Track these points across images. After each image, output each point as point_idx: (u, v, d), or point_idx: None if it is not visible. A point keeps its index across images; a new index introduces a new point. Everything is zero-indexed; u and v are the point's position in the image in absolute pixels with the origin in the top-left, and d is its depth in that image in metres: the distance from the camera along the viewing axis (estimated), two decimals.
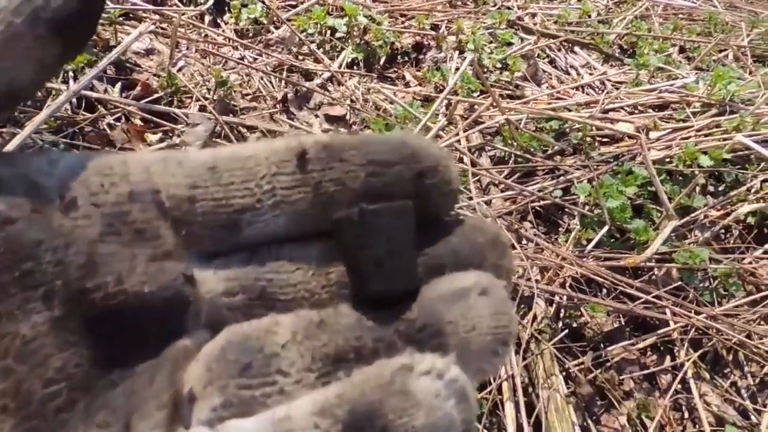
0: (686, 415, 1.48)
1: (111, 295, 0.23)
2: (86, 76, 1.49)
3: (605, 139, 2.01)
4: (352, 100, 1.96)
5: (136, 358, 0.23)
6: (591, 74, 2.44)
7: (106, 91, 1.62)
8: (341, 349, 0.24)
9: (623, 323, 1.58)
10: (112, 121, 1.56)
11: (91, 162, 0.25)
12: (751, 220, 1.81)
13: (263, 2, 2.19)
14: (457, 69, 2.14)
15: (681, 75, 2.42)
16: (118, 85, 1.66)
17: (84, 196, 0.24)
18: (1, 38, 0.24)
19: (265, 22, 2.15)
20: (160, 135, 1.59)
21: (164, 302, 0.24)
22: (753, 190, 1.87)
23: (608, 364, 1.49)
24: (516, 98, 2.16)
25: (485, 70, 2.23)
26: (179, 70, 1.79)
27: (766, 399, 1.50)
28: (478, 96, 2.07)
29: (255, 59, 2.02)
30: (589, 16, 2.87)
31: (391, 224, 0.25)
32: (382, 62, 2.20)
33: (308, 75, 2.04)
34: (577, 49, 2.60)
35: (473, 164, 1.77)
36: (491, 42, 2.40)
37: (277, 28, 2.18)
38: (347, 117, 1.92)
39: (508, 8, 2.73)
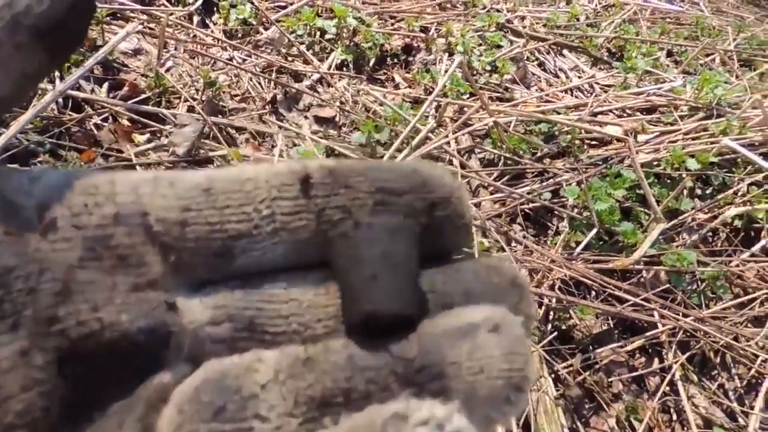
0: (674, 417, 1.48)
1: (84, 325, 0.21)
2: (73, 76, 1.48)
3: (594, 142, 2.02)
4: (341, 102, 1.95)
5: (109, 396, 0.21)
6: (580, 77, 2.45)
7: (93, 91, 1.61)
8: (329, 391, 0.21)
9: (612, 325, 1.58)
10: (99, 122, 1.54)
11: (75, 180, 0.23)
12: (738, 223, 1.82)
13: (252, 3, 2.18)
14: (447, 71, 2.14)
15: (668, 79, 2.44)
16: (106, 85, 1.64)
17: (65, 217, 0.22)
18: None
19: (254, 22, 2.14)
20: (147, 136, 1.58)
21: (143, 334, 0.22)
22: (740, 194, 1.89)
23: (597, 366, 1.49)
24: (505, 101, 2.16)
25: (474, 72, 2.23)
26: (167, 70, 1.78)
27: (754, 401, 1.51)
28: (468, 98, 2.07)
29: (244, 60, 2.01)
30: (578, 20, 2.88)
31: (388, 240, 0.23)
32: (371, 64, 2.20)
33: (297, 76, 2.03)
34: (565, 52, 2.61)
35: (462, 166, 1.77)
36: (480, 45, 2.41)
37: (266, 29, 2.17)
38: (337, 119, 1.92)
39: (498, 11, 2.74)
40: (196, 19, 2.11)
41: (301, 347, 0.23)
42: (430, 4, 2.70)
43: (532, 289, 1.48)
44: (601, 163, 1.88)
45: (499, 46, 2.43)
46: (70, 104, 1.54)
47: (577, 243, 1.65)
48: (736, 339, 1.56)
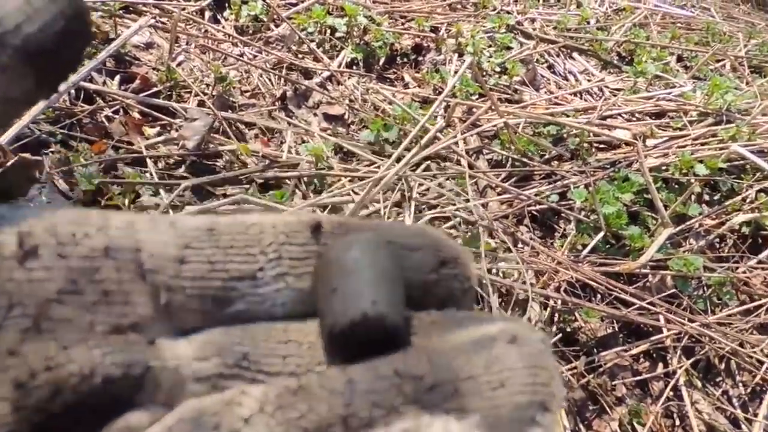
0: (677, 422, 1.48)
1: (49, 367, 0.19)
2: (85, 68, 1.48)
3: (602, 146, 2.02)
4: (350, 100, 1.96)
5: None
6: (589, 80, 2.45)
7: (104, 83, 1.61)
8: (325, 420, 0.19)
9: (617, 329, 1.58)
10: (110, 114, 1.55)
11: (65, 211, 0.21)
12: (745, 229, 1.82)
13: (264, 0, 2.19)
14: (456, 72, 2.14)
15: (678, 84, 2.43)
16: (117, 78, 1.65)
17: (49, 245, 0.20)
18: None
19: (265, 19, 2.15)
20: (158, 129, 1.59)
21: (118, 369, 0.19)
22: (748, 200, 1.88)
23: (601, 369, 1.49)
24: (514, 102, 2.16)
25: (484, 73, 2.23)
26: (178, 64, 1.78)
27: (758, 408, 1.51)
28: (477, 99, 2.07)
29: (254, 56, 2.02)
30: (588, 23, 2.88)
31: (355, 253, 0.21)
32: (381, 63, 2.20)
33: (307, 73, 2.04)
34: (575, 55, 2.61)
35: (471, 167, 1.77)
36: (490, 46, 2.41)
37: (277, 25, 2.18)
38: (346, 116, 1.92)
39: (508, 13, 2.74)
40: (207, 14, 2.11)
41: (293, 378, 0.20)
42: (440, 5, 2.70)
43: (537, 290, 1.49)
44: (609, 166, 1.88)
45: (509, 48, 2.43)
46: (82, 96, 1.55)
47: (584, 246, 1.65)
48: (741, 345, 1.56)
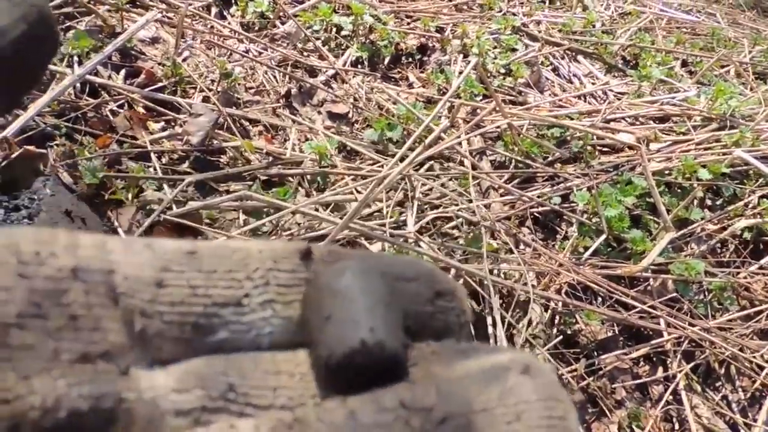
0: (677, 426, 1.48)
1: (6, 399, 0.17)
2: (91, 61, 1.49)
3: (606, 149, 2.02)
4: (355, 99, 1.96)
5: None
6: (593, 84, 2.45)
7: (110, 77, 1.62)
8: None
9: (617, 332, 1.58)
10: (115, 108, 1.55)
11: (26, 228, 0.19)
12: (747, 235, 1.82)
13: None
14: (461, 72, 2.14)
15: (683, 88, 2.43)
16: (123, 72, 1.65)
17: (9, 263, 0.18)
18: None
19: (272, 16, 2.15)
20: (162, 124, 1.59)
21: (85, 402, 0.17)
22: (750, 206, 1.89)
23: (601, 372, 1.50)
24: (518, 104, 2.16)
25: (488, 74, 2.23)
26: (184, 60, 1.79)
27: (757, 414, 1.51)
28: (481, 100, 2.07)
29: (260, 53, 2.02)
30: (594, 26, 2.88)
31: (348, 279, 0.20)
32: (386, 62, 2.20)
33: (312, 71, 2.04)
34: (580, 58, 2.61)
35: (474, 167, 1.77)
36: (495, 47, 2.41)
37: (283, 23, 2.18)
38: (350, 115, 1.92)
39: (514, 14, 2.74)
40: (214, 10, 2.12)
41: (288, 411, 0.19)
42: (446, 5, 2.70)
43: (539, 292, 1.49)
44: (612, 169, 1.88)
45: (514, 50, 2.43)
46: (87, 89, 1.55)
47: (586, 248, 1.65)
48: (741, 350, 1.56)
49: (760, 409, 1.51)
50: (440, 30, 2.48)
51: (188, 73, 1.71)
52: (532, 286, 1.48)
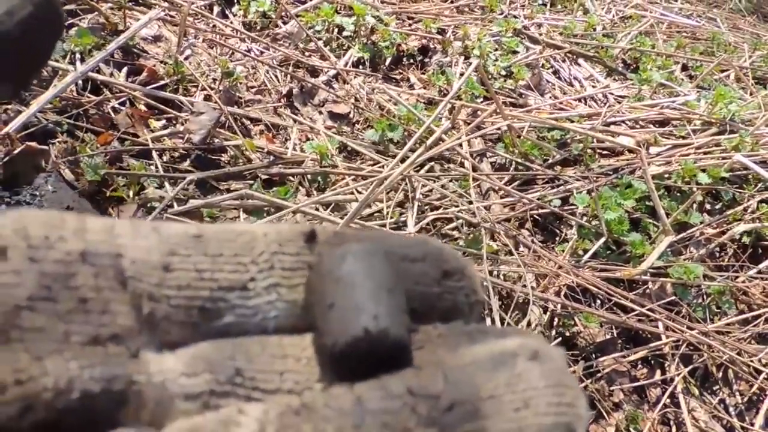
0: (674, 429, 1.49)
1: (19, 380, 0.17)
2: (93, 59, 1.49)
3: (606, 152, 2.03)
4: (356, 99, 1.96)
5: None
6: (594, 87, 2.45)
7: (112, 74, 1.62)
8: None
9: (615, 335, 1.58)
10: (116, 105, 1.55)
11: (38, 213, 0.19)
12: (746, 239, 1.83)
13: None
14: (462, 74, 2.14)
15: (683, 92, 2.44)
16: (125, 70, 1.66)
17: (19, 248, 0.18)
18: None
19: (274, 16, 2.15)
20: (164, 122, 1.59)
21: (97, 384, 0.18)
22: (749, 210, 1.89)
23: (599, 374, 1.50)
24: (519, 106, 2.17)
25: (489, 76, 2.24)
26: (186, 58, 1.79)
27: (754, 418, 1.52)
28: (482, 102, 2.08)
29: (262, 52, 2.02)
30: (594, 30, 2.89)
31: (364, 268, 0.20)
32: (387, 63, 2.21)
33: (314, 71, 2.04)
34: (581, 61, 2.61)
35: (474, 169, 1.77)
36: (496, 49, 2.41)
37: (285, 22, 2.18)
38: (351, 115, 1.92)
39: (515, 17, 2.74)
40: (216, 9, 2.12)
41: (295, 396, 0.19)
42: (448, 7, 2.71)
43: (538, 294, 1.49)
44: (612, 172, 1.89)
45: (515, 52, 2.44)
46: (89, 86, 1.55)
47: (585, 251, 1.66)
48: (739, 354, 1.56)
49: (758, 413, 1.52)
50: (442, 32, 2.48)
51: (190, 72, 1.72)
52: (532, 287, 1.48)
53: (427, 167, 1.75)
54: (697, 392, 1.54)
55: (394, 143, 1.81)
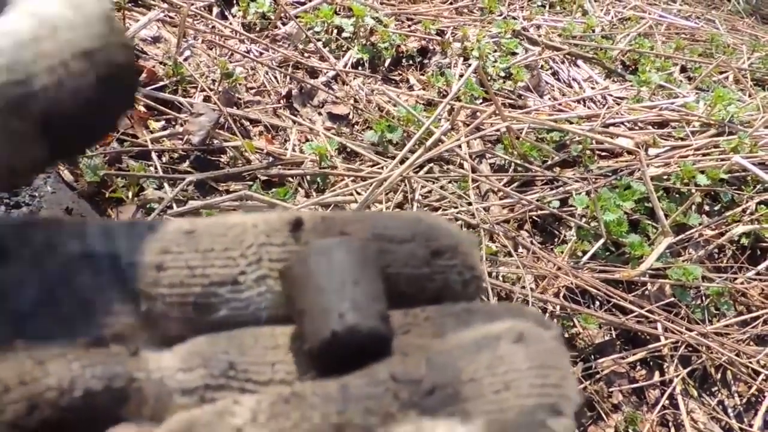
0: (673, 430, 1.49)
1: (23, 381, 0.17)
2: None
3: (604, 153, 2.03)
4: (355, 100, 1.96)
5: None
6: (593, 88, 2.46)
7: None
8: (318, 428, 0.18)
9: (614, 336, 1.59)
10: None
11: (38, 219, 0.20)
12: (744, 240, 1.83)
13: None
14: (461, 75, 2.15)
15: (681, 94, 2.44)
16: None
17: (22, 254, 0.19)
18: None
19: (273, 17, 2.15)
20: (163, 123, 1.59)
21: (99, 383, 0.18)
22: (748, 212, 1.89)
23: (598, 376, 1.50)
24: (518, 108, 2.17)
25: (488, 78, 2.24)
26: (185, 59, 1.79)
27: (753, 419, 1.52)
28: (481, 103, 2.08)
29: (261, 53, 2.02)
30: (593, 31, 2.89)
31: (327, 265, 0.20)
32: (387, 64, 2.21)
33: (313, 72, 2.04)
34: (580, 62, 2.61)
35: (473, 170, 1.77)
36: (496, 51, 2.42)
37: (284, 24, 2.18)
38: (350, 116, 1.92)
39: (514, 18, 2.74)
40: (215, 10, 2.12)
41: (285, 386, 0.19)
42: (447, 8, 2.71)
43: (537, 295, 1.49)
44: (611, 174, 1.89)
45: (514, 53, 2.44)
46: None
47: (584, 252, 1.66)
48: (737, 356, 1.56)
49: (756, 415, 1.52)
50: (441, 33, 2.48)
51: (189, 73, 1.72)
52: (531, 289, 1.48)
53: (426, 168, 1.76)
54: (695, 393, 1.54)
55: (394, 144, 1.81)
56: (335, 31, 2.23)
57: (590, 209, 1.71)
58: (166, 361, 0.19)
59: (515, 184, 1.82)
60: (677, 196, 1.87)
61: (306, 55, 2.11)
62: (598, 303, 1.59)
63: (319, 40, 2.16)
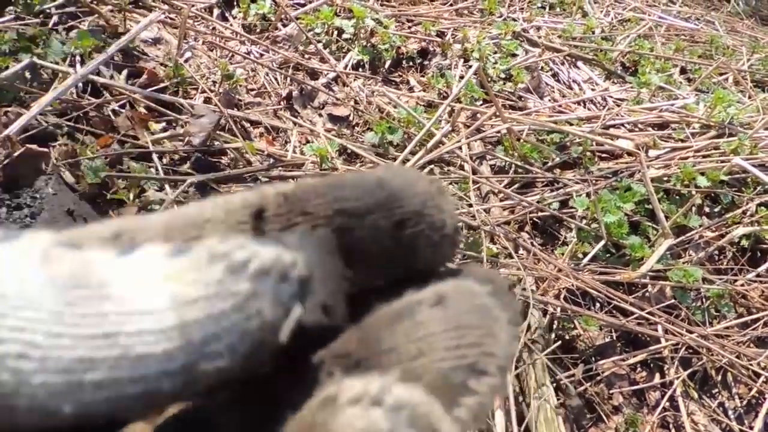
0: None
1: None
2: (94, 61, 1.49)
3: (605, 155, 2.03)
4: (356, 102, 1.96)
5: None
6: (593, 90, 2.46)
7: (112, 77, 1.62)
8: None
9: (615, 338, 1.59)
10: (116, 108, 1.55)
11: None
12: (745, 242, 1.83)
13: None
14: (462, 77, 2.15)
15: (681, 95, 2.44)
16: (125, 72, 1.66)
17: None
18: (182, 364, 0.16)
19: (273, 18, 2.15)
20: (163, 124, 1.59)
21: None
22: (748, 213, 1.89)
23: (598, 377, 1.50)
24: (518, 109, 2.17)
25: (489, 79, 2.24)
26: (186, 61, 1.79)
27: (753, 421, 1.52)
28: (481, 105, 2.08)
29: (261, 55, 2.03)
30: (593, 33, 2.89)
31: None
32: (387, 66, 2.21)
33: (314, 74, 2.04)
34: (580, 64, 2.62)
35: (474, 172, 1.78)
36: (496, 52, 2.42)
37: (284, 25, 2.18)
38: (350, 118, 1.92)
39: (514, 20, 2.75)
40: (216, 11, 2.12)
41: None
42: (447, 10, 2.71)
43: (538, 297, 1.49)
44: (611, 175, 1.89)
45: (514, 55, 2.44)
46: (89, 89, 1.55)
47: (585, 254, 1.66)
48: (738, 358, 1.56)
49: (756, 417, 1.52)
50: (441, 34, 2.48)
51: (190, 74, 1.72)
52: (531, 291, 1.48)
53: (427, 170, 1.76)
54: (696, 395, 1.54)
55: (394, 146, 1.81)
56: (336, 32, 2.23)
57: (591, 211, 1.71)
58: None
59: (516, 186, 1.82)
60: (677, 197, 1.87)
61: (306, 56, 2.11)
62: (598, 305, 1.59)
63: (319, 41, 2.17)
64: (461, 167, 1.81)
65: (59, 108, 1.46)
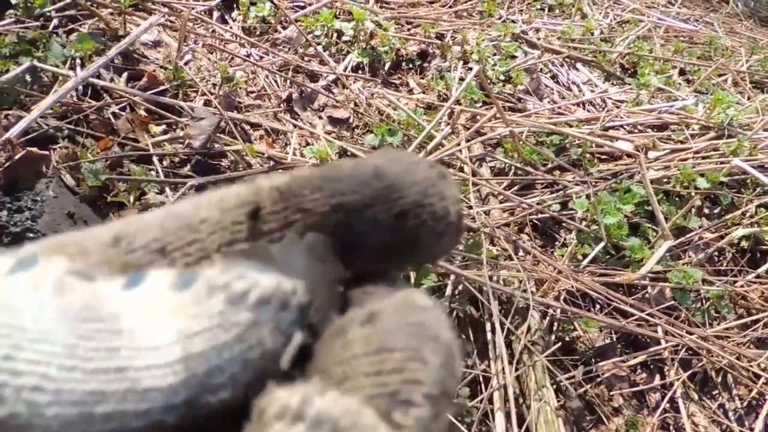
0: None
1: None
2: (94, 64, 1.49)
3: (604, 156, 2.03)
4: (355, 104, 1.97)
5: None
6: (592, 91, 2.46)
7: (112, 80, 1.62)
8: None
9: (615, 339, 1.59)
10: (117, 110, 1.55)
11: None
12: (744, 243, 1.83)
13: (272, 1, 2.20)
14: (461, 79, 2.15)
15: (681, 97, 2.45)
16: (125, 75, 1.66)
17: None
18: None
19: (273, 21, 2.15)
20: (164, 127, 1.59)
21: None
22: (748, 214, 1.90)
23: (598, 379, 1.50)
24: (518, 111, 2.17)
25: (488, 81, 2.24)
26: (186, 63, 1.79)
27: (753, 422, 1.52)
28: (481, 107, 2.08)
29: (261, 57, 2.03)
30: (592, 34, 2.90)
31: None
32: (386, 68, 2.21)
33: (313, 76, 2.05)
34: (579, 65, 2.62)
35: (474, 174, 1.78)
36: (495, 54, 2.42)
37: (284, 28, 2.19)
38: (350, 120, 1.93)
39: (513, 22, 2.75)
40: (216, 14, 2.12)
41: None
42: (446, 12, 2.71)
43: (538, 299, 1.49)
44: (611, 177, 1.89)
45: (513, 57, 2.44)
46: (89, 92, 1.55)
47: (584, 255, 1.66)
48: (738, 359, 1.56)
49: (757, 418, 1.52)
50: (440, 36, 2.49)
51: (190, 77, 1.72)
52: (531, 292, 1.48)
53: None
54: (696, 397, 1.54)
55: (394, 148, 1.81)
56: (335, 34, 2.23)
57: (590, 212, 1.71)
58: None
59: (515, 188, 1.82)
60: (677, 199, 1.87)
61: (306, 58, 2.12)
62: (598, 306, 1.59)
63: (319, 43, 2.17)
64: (461, 169, 1.81)
65: (60, 111, 1.46)
